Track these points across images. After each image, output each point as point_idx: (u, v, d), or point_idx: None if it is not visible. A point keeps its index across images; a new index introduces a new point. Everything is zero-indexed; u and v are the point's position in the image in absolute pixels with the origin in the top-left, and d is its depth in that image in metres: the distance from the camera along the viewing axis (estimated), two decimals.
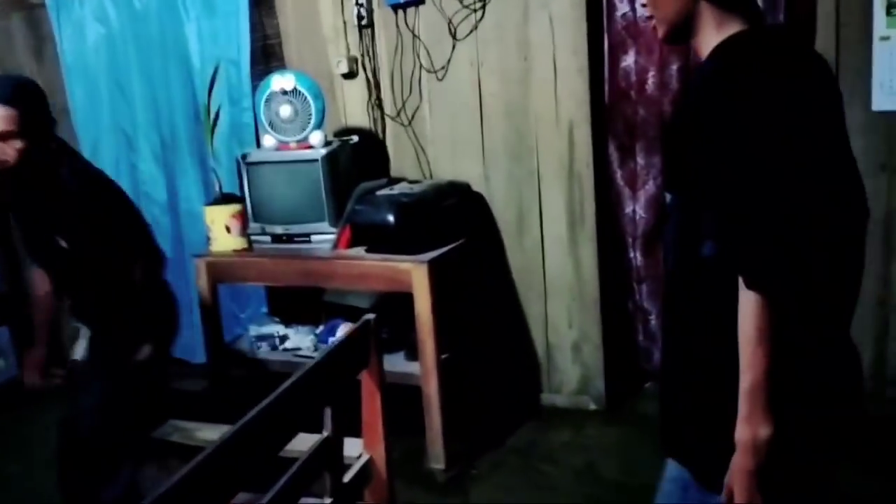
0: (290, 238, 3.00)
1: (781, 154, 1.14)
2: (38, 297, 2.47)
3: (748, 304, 1.14)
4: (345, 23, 3.22)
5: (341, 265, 2.84)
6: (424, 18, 3.11)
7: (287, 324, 3.25)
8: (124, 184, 3.80)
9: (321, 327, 3.15)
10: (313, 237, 2.95)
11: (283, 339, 3.10)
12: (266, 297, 3.68)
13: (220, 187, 3.07)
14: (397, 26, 3.15)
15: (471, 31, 3.05)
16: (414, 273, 2.66)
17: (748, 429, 1.17)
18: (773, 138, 1.14)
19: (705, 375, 1.27)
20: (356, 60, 3.24)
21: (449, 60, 3.11)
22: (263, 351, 3.08)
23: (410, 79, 3.19)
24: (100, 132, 3.77)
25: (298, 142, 2.92)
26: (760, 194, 1.13)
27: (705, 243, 1.20)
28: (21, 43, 3.87)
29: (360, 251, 2.84)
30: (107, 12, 3.60)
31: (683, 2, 1.27)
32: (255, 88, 3.43)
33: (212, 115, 3.04)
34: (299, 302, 3.41)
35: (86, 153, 3.76)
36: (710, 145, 1.17)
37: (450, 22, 3.06)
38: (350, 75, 3.25)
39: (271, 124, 2.95)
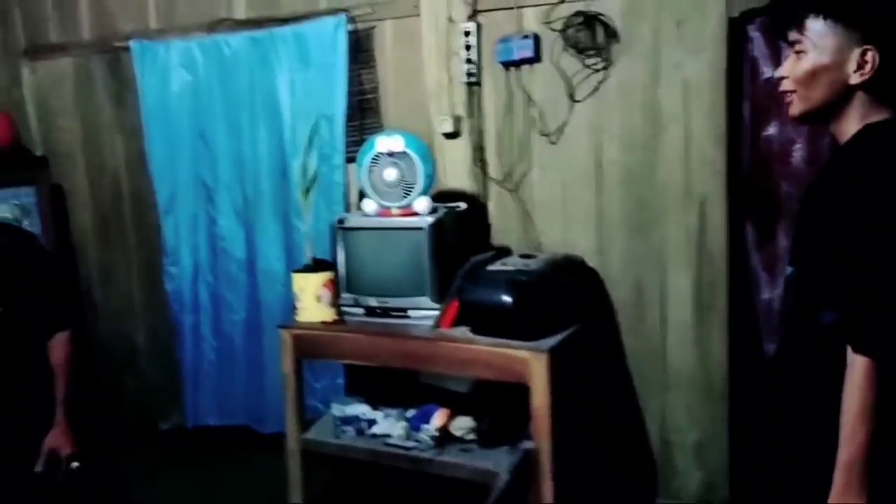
0: (385, 312, 2.72)
1: None
2: None
3: (856, 376, 1.21)
4: (450, 79, 2.98)
5: (445, 348, 2.55)
6: (540, 78, 2.86)
7: (374, 405, 2.95)
8: (202, 238, 3.63)
9: (412, 412, 2.84)
10: (412, 312, 2.67)
11: (371, 423, 2.80)
12: (344, 369, 3.40)
13: (313, 253, 2.81)
14: (508, 85, 2.91)
15: (591, 93, 2.79)
16: (532, 363, 2.35)
17: (846, 497, 1.22)
18: None
19: (817, 442, 1.30)
20: (460, 120, 2.99)
21: (565, 123, 2.85)
22: (349, 436, 2.78)
23: (520, 141, 2.93)
24: (178, 182, 3.57)
25: (402, 207, 2.66)
26: (889, 273, 1.20)
27: (825, 312, 1.27)
28: (101, 86, 3.72)
29: (465, 332, 2.55)
30: (194, 59, 3.43)
31: (838, 89, 1.31)
32: (348, 144, 3.22)
33: (309, 174, 2.79)
34: (384, 378, 3.12)
35: (161, 203, 3.58)
36: (846, 225, 1.23)
37: (568, 82, 2.80)
38: (453, 135, 2.99)
39: (373, 187, 2.70)
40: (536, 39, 2.82)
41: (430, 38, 2.98)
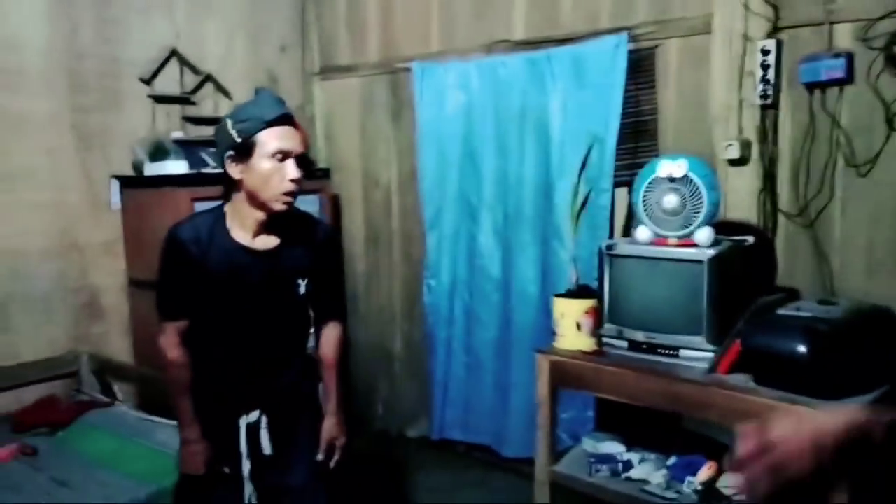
0: (652, 348, 2.53)
1: None
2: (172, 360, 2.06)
3: None
4: (741, 101, 2.73)
5: (721, 395, 2.30)
6: (850, 100, 2.52)
7: (628, 445, 2.77)
8: (462, 255, 3.68)
9: (674, 459, 2.62)
10: (682, 352, 2.45)
11: (627, 465, 2.62)
12: (595, 403, 3.25)
13: (578, 278, 2.71)
14: (810, 108, 2.59)
15: None
16: None
17: None
18: None
19: None
20: (749, 145, 2.73)
21: (879, 152, 2.48)
22: (602, 475, 2.62)
23: (821, 171, 2.60)
24: (445, 199, 3.66)
25: (680, 237, 2.47)
26: None
27: None
28: (382, 104, 3.94)
29: (746, 380, 2.28)
30: (470, 79, 3.50)
31: None
32: (617, 168, 3.09)
33: (580, 197, 2.70)
34: (641, 418, 2.92)
35: (427, 218, 3.70)
36: None
37: (888, 106, 2.43)
38: (739, 161, 2.74)
39: (649, 214, 2.53)
40: (849, 58, 2.49)
41: (721, 57, 2.76)
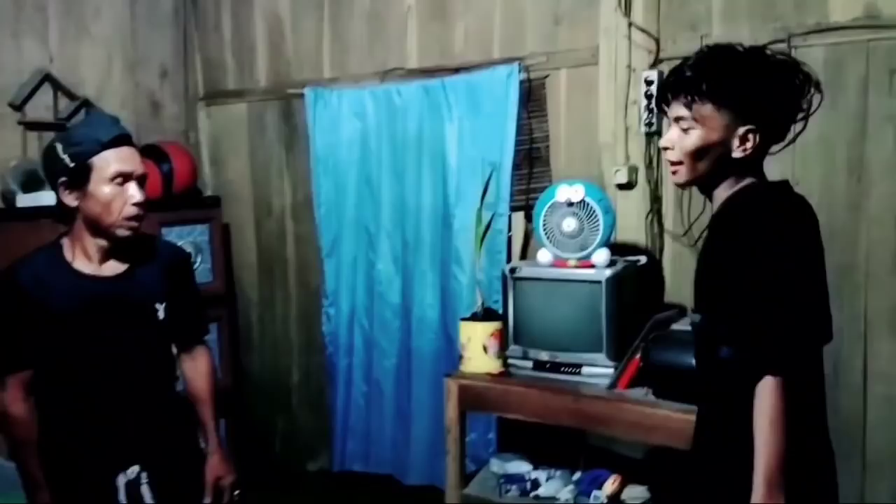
0: (555, 367, 2.61)
1: (789, 276, 1.42)
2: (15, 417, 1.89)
3: (766, 392, 1.38)
4: (627, 129, 2.88)
5: (625, 410, 2.39)
6: None
7: (534, 463, 2.82)
8: (360, 282, 3.65)
9: (579, 474, 2.69)
10: (584, 369, 2.55)
11: (535, 483, 2.67)
12: (498, 423, 3.29)
13: (483, 302, 2.75)
14: None
15: (786, 145, 2.60)
16: None
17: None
18: (784, 264, 1.42)
19: (722, 454, 1.53)
20: (636, 170, 2.88)
21: None
22: (512, 495, 2.65)
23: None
24: (342, 227, 3.63)
25: (579, 259, 2.56)
26: (776, 303, 1.41)
27: (721, 349, 1.48)
28: (272, 131, 3.87)
29: (647, 394, 2.39)
30: (365, 107, 3.50)
31: (721, 161, 1.53)
32: (513, 193, 3.18)
33: (483, 222, 2.75)
34: (544, 436, 2.99)
35: (325, 245, 3.65)
36: (737, 272, 1.44)
37: None
38: (627, 186, 2.88)
39: (549, 237, 2.62)
40: None
41: (607, 87, 2.91)
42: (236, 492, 2.06)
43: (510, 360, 2.71)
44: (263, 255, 3.97)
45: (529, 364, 2.66)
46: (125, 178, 1.76)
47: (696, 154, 1.52)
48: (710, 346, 1.54)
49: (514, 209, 3.21)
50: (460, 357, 2.76)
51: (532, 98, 3.13)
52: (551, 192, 2.62)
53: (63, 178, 1.75)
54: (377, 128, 3.49)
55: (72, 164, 1.73)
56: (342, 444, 3.74)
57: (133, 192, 1.77)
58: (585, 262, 2.56)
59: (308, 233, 3.76)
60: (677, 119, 1.54)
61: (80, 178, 1.73)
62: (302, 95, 3.63)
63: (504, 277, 2.70)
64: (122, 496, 1.84)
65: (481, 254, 2.83)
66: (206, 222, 3.57)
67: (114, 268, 1.84)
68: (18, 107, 3.29)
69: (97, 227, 1.78)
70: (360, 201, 3.59)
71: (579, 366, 2.55)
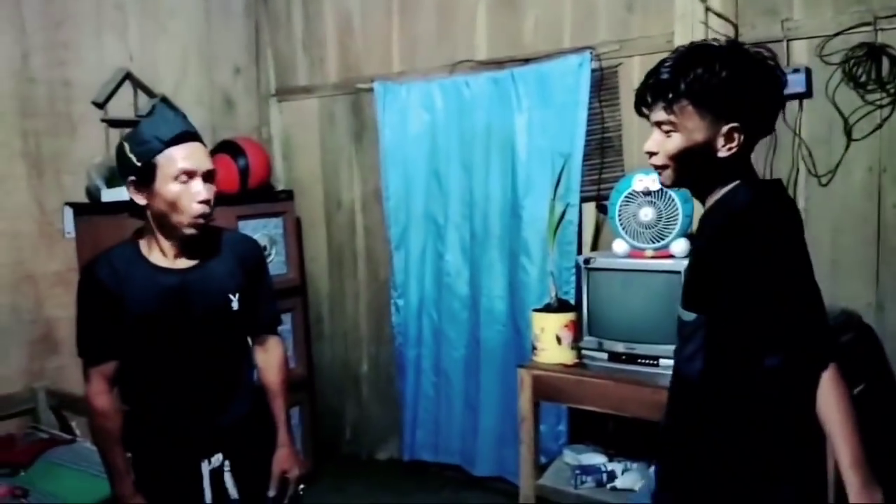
0: (631, 358, 2.58)
1: (808, 271, 1.42)
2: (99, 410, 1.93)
3: (832, 385, 1.37)
4: None
5: None
6: (811, 113, 2.64)
7: (608, 455, 2.80)
8: (429, 273, 3.68)
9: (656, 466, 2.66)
10: (662, 361, 2.50)
11: (611, 475, 2.65)
12: (569, 415, 3.28)
13: (556, 293, 2.74)
14: None
15: (873, 131, 2.53)
16: None
17: (869, 494, 1.33)
18: (802, 261, 1.43)
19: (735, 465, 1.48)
20: None
21: (839, 163, 2.60)
22: (587, 486, 2.64)
23: (786, 183, 2.70)
24: (410, 219, 3.66)
25: (656, 249, 2.53)
26: (810, 299, 1.41)
27: (767, 358, 1.42)
28: (342, 125, 3.92)
29: None
30: (433, 100, 3.52)
31: (708, 161, 1.46)
32: (583, 184, 3.15)
33: (556, 213, 2.74)
34: (614, 427, 2.97)
35: (394, 238, 3.68)
36: (758, 274, 1.39)
37: (846, 119, 2.56)
38: None
39: (625, 227, 2.59)
40: (808, 73, 2.61)
41: None
42: (301, 486, 2.05)
43: (584, 352, 2.69)
44: (334, 248, 4.02)
45: (605, 356, 2.64)
46: (190, 175, 1.75)
47: (681, 157, 1.46)
48: (719, 348, 1.49)
49: (584, 200, 3.19)
50: (533, 348, 2.76)
51: (604, 87, 3.10)
52: (627, 181, 2.59)
53: (131, 178, 1.77)
54: (446, 120, 3.50)
55: (138, 164, 1.74)
56: (411, 433, 3.78)
57: (198, 188, 1.76)
58: (663, 252, 2.52)
59: (377, 225, 3.81)
60: (658, 123, 1.48)
61: (146, 176, 1.74)
62: (371, 90, 3.66)
63: (578, 268, 2.69)
64: (206, 483, 1.87)
65: (554, 245, 2.81)
66: (279, 216, 3.64)
67: (188, 261, 1.87)
68: (101, 105, 3.41)
69: (166, 225, 1.79)
70: (428, 193, 3.61)
71: (657, 357, 2.52)
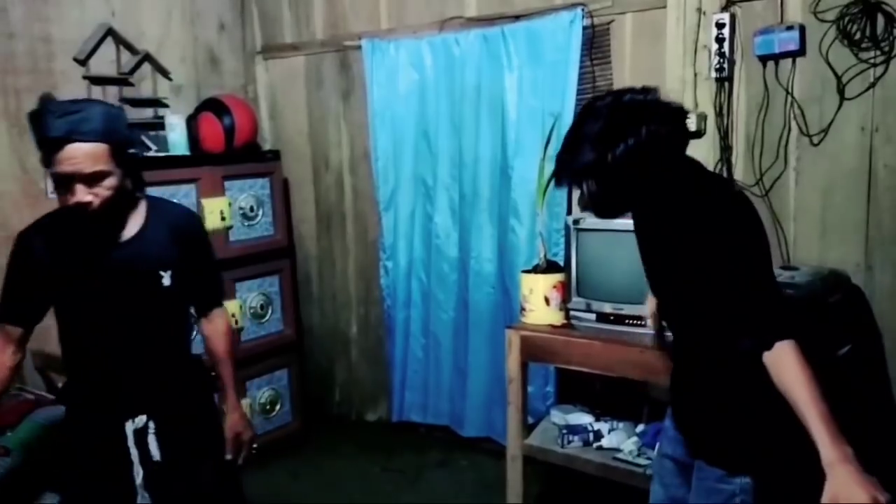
0: (619, 319, 2.58)
1: (762, 247, 1.52)
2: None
3: (790, 357, 1.44)
4: (696, 75, 2.79)
5: None
6: (803, 72, 2.60)
7: (597, 416, 2.81)
8: (418, 235, 3.65)
9: (642, 427, 2.68)
10: (649, 322, 2.50)
11: (598, 435, 2.66)
12: (557, 375, 3.29)
13: (545, 254, 2.72)
14: (765, 80, 2.67)
15: (867, 89, 2.50)
16: None
17: (839, 447, 1.36)
18: (753, 238, 1.52)
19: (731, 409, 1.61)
20: (705, 118, 2.79)
21: (831, 123, 2.57)
22: (574, 446, 2.65)
23: (775, 141, 2.68)
24: (399, 180, 3.62)
25: None
26: (766, 277, 1.52)
27: (741, 341, 1.50)
28: (330, 84, 3.85)
29: None
30: (423, 58, 3.46)
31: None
32: None
33: (546, 175, 2.70)
34: (602, 388, 2.98)
35: (383, 198, 3.65)
36: (711, 256, 1.50)
37: (839, 78, 2.52)
38: (696, 134, 2.79)
39: None
40: (802, 30, 2.57)
41: (675, 32, 2.81)
42: (254, 446, 2.12)
43: (572, 313, 2.69)
44: (322, 209, 3.99)
45: (592, 316, 2.64)
46: (68, 178, 1.70)
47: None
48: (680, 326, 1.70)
49: None
50: (522, 309, 2.75)
51: (595, 45, 3.05)
52: None
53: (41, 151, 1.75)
54: (435, 79, 3.44)
55: (39, 151, 1.73)
56: (400, 395, 3.79)
57: (78, 193, 1.71)
58: None
59: (365, 186, 3.77)
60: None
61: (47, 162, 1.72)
62: (359, 47, 3.60)
63: (567, 229, 2.66)
64: (130, 442, 1.89)
65: (543, 205, 2.78)
66: (266, 176, 3.59)
67: (127, 230, 1.85)
68: (83, 61, 3.33)
69: None
70: (417, 154, 3.56)
71: (644, 318, 2.51)
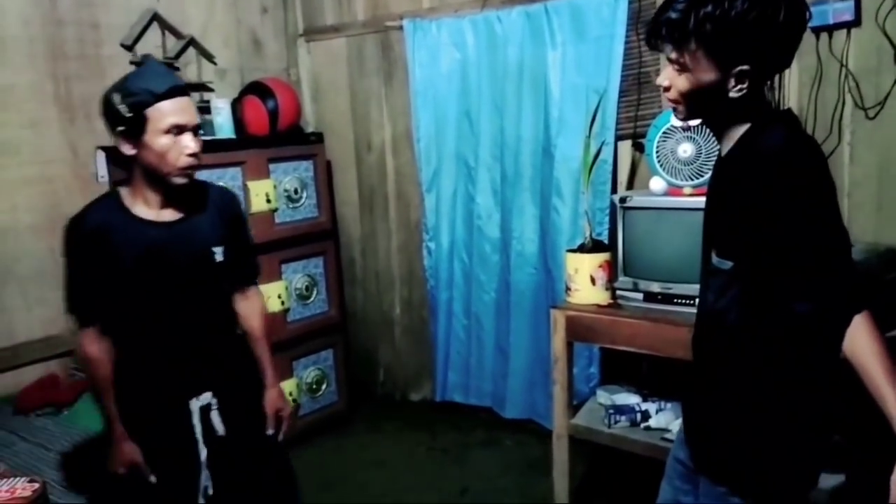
0: (667, 298, 2.54)
1: (838, 215, 1.40)
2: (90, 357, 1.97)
3: (865, 330, 1.37)
4: None
5: None
6: (859, 43, 2.52)
7: (644, 396, 2.79)
8: (460, 216, 3.65)
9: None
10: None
11: (645, 415, 2.64)
12: (601, 356, 3.27)
13: (591, 233, 2.69)
14: (818, 52, 2.59)
15: None
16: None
17: None
18: (832, 205, 1.39)
19: (762, 412, 1.49)
20: None
21: (888, 95, 2.49)
22: (621, 426, 2.64)
23: (829, 115, 2.60)
24: (442, 160, 3.61)
25: (695, 186, 2.46)
26: (841, 245, 1.39)
27: (798, 304, 1.40)
28: (372, 65, 3.85)
29: None
30: (465, 37, 3.43)
31: (719, 101, 1.43)
32: (619, 121, 3.07)
33: (591, 153, 2.67)
34: (648, 369, 2.95)
35: (426, 179, 3.65)
36: (788, 218, 1.36)
37: None
38: None
39: (662, 164, 2.52)
40: (857, 0, 2.48)
41: None
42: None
43: (619, 292, 2.65)
44: (364, 191, 4.00)
45: (640, 296, 2.60)
46: (180, 129, 1.77)
47: (691, 96, 1.45)
48: (753, 296, 1.47)
49: (619, 138, 3.11)
50: (567, 289, 2.73)
51: (641, 19, 2.98)
52: (665, 116, 2.51)
53: (120, 128, 1.77)
54: (477, 58, 3.42)
55: (128, 115, 1.74)
56: (443, 375, 3.80)
57: (187, 142, 1.79)
58: (702, 190, 2.44)
59: (408, 167, 3.77)
60: (669, 60, 1.44)
61: (136, 128, 1.75)
62: (400, 27, 3.58)
63: (613, 207, 2.63)
64: (195, 419, 1.93)
65: (589, 184, 2.75)
66: (310, 158, 3.61)
67: (172, 214, 1.89)
68: (130, 47, 3.37)
69: (153, 176, 1.82)
70: (459, 134, 3.55)
71: (693, 297, 2.46)
